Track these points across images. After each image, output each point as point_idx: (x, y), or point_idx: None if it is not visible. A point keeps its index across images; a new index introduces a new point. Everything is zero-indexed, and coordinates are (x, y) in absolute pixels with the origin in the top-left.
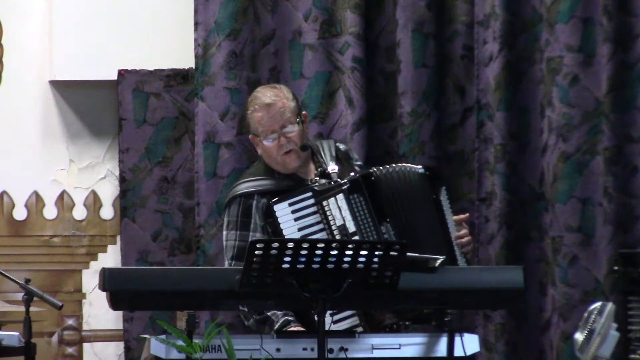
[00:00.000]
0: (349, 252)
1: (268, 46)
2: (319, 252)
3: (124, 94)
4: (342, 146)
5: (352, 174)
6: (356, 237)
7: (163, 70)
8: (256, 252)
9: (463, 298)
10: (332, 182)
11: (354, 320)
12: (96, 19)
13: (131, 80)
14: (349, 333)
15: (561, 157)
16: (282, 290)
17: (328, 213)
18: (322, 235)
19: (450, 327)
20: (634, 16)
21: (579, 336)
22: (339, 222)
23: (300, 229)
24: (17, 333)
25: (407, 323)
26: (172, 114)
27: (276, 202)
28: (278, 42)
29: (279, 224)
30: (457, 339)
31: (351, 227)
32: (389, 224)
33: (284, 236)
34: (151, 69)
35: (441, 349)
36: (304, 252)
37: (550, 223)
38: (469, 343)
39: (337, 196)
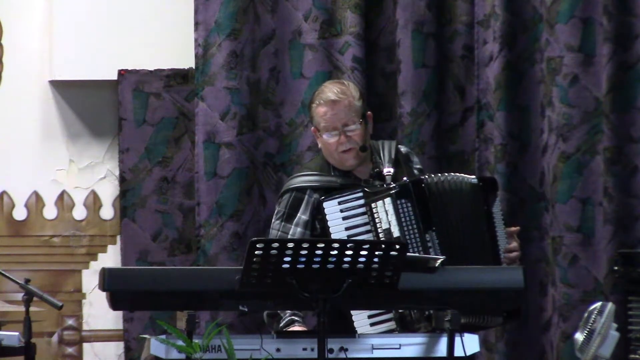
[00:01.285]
0: (349, 252)
1: (268, 46)
2: (319, 252)
3: (124, 94)
4: (403, 148)
5: (404, 178)
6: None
7: (163, 70)
8: (256, 252)
9: (463, 298)
10: (384, 185)
11: (391, 325)
12: (96, 19)
13: (131, 80)
14: (349, 333)
15: (561, 157)
16: (282, 290)
17: (375, 215)
18: (368, 236)
19: (450, 327)
20: (634, 16)
21: (579, 336)
22: (384, 226)
23: (347, 229)
24: (17, 333)
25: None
26: (172, 114)
27: (326, 199)
28: (278, 42)
29: (327, 221)
30: (457, 339)
31: (395, 232)
32: (435, 232)
33: (331, 234)
34: (151, 69)
35: (441, 349)
36: (304, 252)
37: (550, 223)
38: (469, 343)
39: (385, 199)
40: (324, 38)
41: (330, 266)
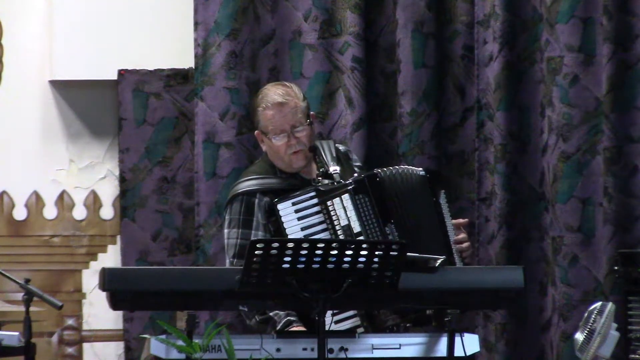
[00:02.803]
0: (349, 252)
1: (268, 46)
2: (319, 252)
3: (124, 94)
4: (341, 147)
5: (355, 174)
6: (361, 238)
7: (163, 70)
8: (256, 252)
9: (463, 298)
10: (336, 183)
11: (356, 321)
12: (96, 19)
13: (131, 80)
14: (349, 333)
15: (561, 157)
16: (282, 290)
17: (332, 213)
18: (325, 235)
19: (450, 327)
20: (634, 16)
21: (579, 336)
22: (343, 222)
23: (303, 229)
24: (17, 333)
25: (408, 325)
26: (172, 114)
27: (279, 201)
28: (278, 42)
29: (282, 223)
30: (457, 339)
31: (356, 228)
32: (393, 224)
33: (287, 235)
34: (151, 69)
35: (441, 349)
36: (304, 252)
37: (550, 223)
38: (469, 343)
39: (343, 196)
40: (323, 38)
41: (330, 266)
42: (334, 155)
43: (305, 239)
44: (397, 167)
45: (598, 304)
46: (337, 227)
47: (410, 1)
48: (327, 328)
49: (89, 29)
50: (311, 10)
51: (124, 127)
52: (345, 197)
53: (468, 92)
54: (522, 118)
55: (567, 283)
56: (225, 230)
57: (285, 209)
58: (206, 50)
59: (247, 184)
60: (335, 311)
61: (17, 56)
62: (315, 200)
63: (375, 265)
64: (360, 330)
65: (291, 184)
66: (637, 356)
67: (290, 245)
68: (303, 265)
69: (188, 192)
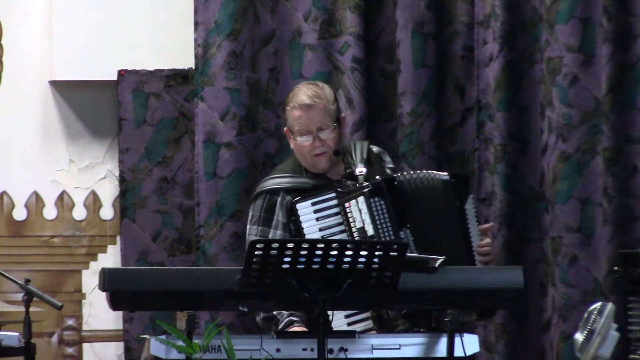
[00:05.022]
0: (349, 253)
1: (268, 46)
2: (319, 252)
3: (123, 94)
4: (375, 148)
5: (377, 177)
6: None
7: (163, 70)
8: (256, 252)
9: (463, 298)
10: (357, 184)
11: (368, 324)
12: (96, 19)
13: (131, 81)
14: (349, 333)
15: (561, 157)
16: (282, 290)
17: (349, 215)
18: (342, 236)
19: (450, 327)
20: (634, 16)
21: (579, 336)
22: (358, 225)
23: (321, 229)
24: (17, 333)
25: (421, 330)
26: (172, 114)
27: (299, 201)
28: (278, 42)
29: (301, 222)
30: (457, 339)
31: (370, 230)
32: (409, 229)
33: (305, 235)
34: (151, 69)
35: (441, 349)
36: (304, 252)
37: (550, 223)
38: (469, 343)
39: (358, 199)
40: (323, 38)
41: (330, 266)
42: (364, 156)
43: (305, 239)
44: (420, 171)
45: (598, 304)
46: (354, 229)
47: (410, 1)
48: (339, 328)
49: (89, 29)
50: (311, 11)
51: (124, 127)
52: (361, 199)
53: (468, 93)
54: (522, 118)
55: (567, 283)
56: (248, 226)
57: (305, 209)
58: (206, 50)
59: (272, 182)
60: (349, 312)
61: (17, 56)
62: (334, 202)
63: (375, 266)
64: (372, 333)
65: (316, 184)
66: (637, 356)
67: (290, 245)
68: (303, 266)
69: (188, 193)
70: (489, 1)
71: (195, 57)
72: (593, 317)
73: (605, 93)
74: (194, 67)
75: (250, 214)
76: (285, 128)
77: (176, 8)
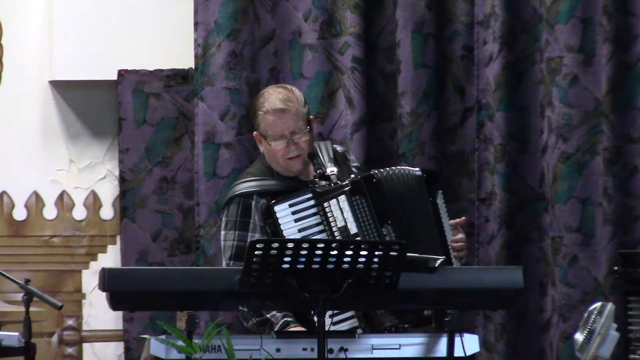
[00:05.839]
0: (348, 253)
1: (268, 46)
2: (318, 252)
3: (123, 94)
4: (339, 148)
5: (352, 175)
6: (358, 239)
7: (163, 70)
8: (256, 252)
9: (463, 298)
10: (333, 184)
11: (354, 322)
12: (96, 19)
13: (131, 80)
14: (349, 333)
15: (561, 157)
16: (282, 290)
17: (329, 214)
18: (322, 236)
19: (450, 327)
20: (634, 16)
21: (579, 336)
22: (340, 224)
23: (300, 230)
24: (17, 333)
25: (406, 326)
26: (172, 114)
27: (276, 203)
28: (278, 42)
29: (279, 224)
30: (457, 339)
31: (353, 229)
32: (390, 225)
33: (284, 237)
34: (151, 69)
35: (441, 349)
36: (303, 252)
37: (550, 223)
38: (469, 343)
39: (339, 197)
40: (323, 38)
41: (330, 266)
42: (331, 156)
43: (306, 239)
44: (393, 167)
45: (598, 304)
46: (334, 229)
47: (410, 1)
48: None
49: (89, 29)
50: (311, 11)
51: (124, 127)
52: (342, 198)
53: (468, 92)
54: (522, 118)
55: (567, 283)
56: (222, 232)
57: (282, 211)
58: (206, 50)
59: (244, 186)
60: (333, 312)
61: (17, 56)
62: (312, 202)
63: (375, 266)
64: (359, 331)
65: (289, 186)
66: (637, 356)
67: (290, 245)
68: (303, 266)
69: (188, 192)
70: (489, 1)
71: (195, 57)
72: (593, 317)
73: (605, 93)
74: (194, 67)
75: (224, 220)
76: (255, 133)
77: (176, 8)
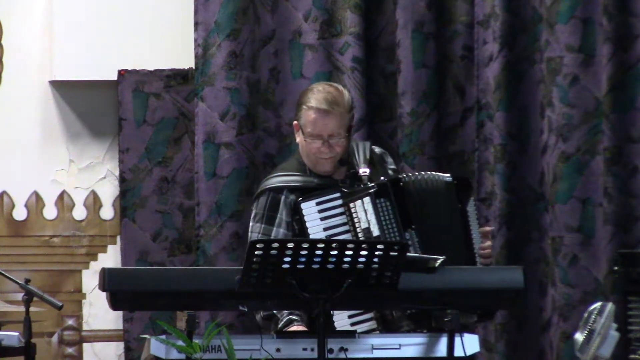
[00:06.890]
0: (349, 252)
1: (268, 46)
2: (319, 252)
3: (124, 94)
4: (377, 149)
5: (381, 178)
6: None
7: (163, 70)
8: (256, 252)
9: (463, 298)
10: (362, 185)
11: (372, 324)
12: (96, 19)
13: (131, 81)
14: (349, 333)
15: (561, 157)
16: (282, 290)
17: (354, 215)
18: (347, 236)
19: (450, 327)
20: (634, 16)
21: (579, 336)
22: (364, 225)
23: (325, 229)
24: (17, 333)
25: (424, 331)
26: (172, 114)
27: (304, 200)
28: (278, 42)
29: (305, 222)
30: (457, 339)
31: (375, 231)
32: (414, 230)
33: (309, 235)
34: (151, 69)
35: (441, 349)
36: (304, 252)
37: (550, 223)
38: (469, 343)
39: (364, 199)
40: (323, 38)
41: (330, 266)
42: (367, 157)
43: (305, 238)
44: (424, 172)
45: (598, 304)
46: (358, 230)
47: (410, 1)
48: (342, 328)
49: (89, 29)
50: (311, 11)
51: (124, 127)
52: (367, 200)
53: (468, 93)
54: (522, 118)
55: (567, 283)
56: (251, 223)
57: (309, 209)
58: (206, 50)
59: (275, 180)
60: (353, 312)
61: (17, 56)
62: (339, 202)
63: (375, 266)
64: (376, 333)
65: (320, 184)
66: (637, 356)
67: (290, 245)
68: (303, 266)
69: (188, 192)
70: (489, 1)
71: (195, 57)
72: (593, 317)
73: (606, 93)
74: (194, 67)
75: (253, 211)
76: (295, 122)
77: (176, 8)
